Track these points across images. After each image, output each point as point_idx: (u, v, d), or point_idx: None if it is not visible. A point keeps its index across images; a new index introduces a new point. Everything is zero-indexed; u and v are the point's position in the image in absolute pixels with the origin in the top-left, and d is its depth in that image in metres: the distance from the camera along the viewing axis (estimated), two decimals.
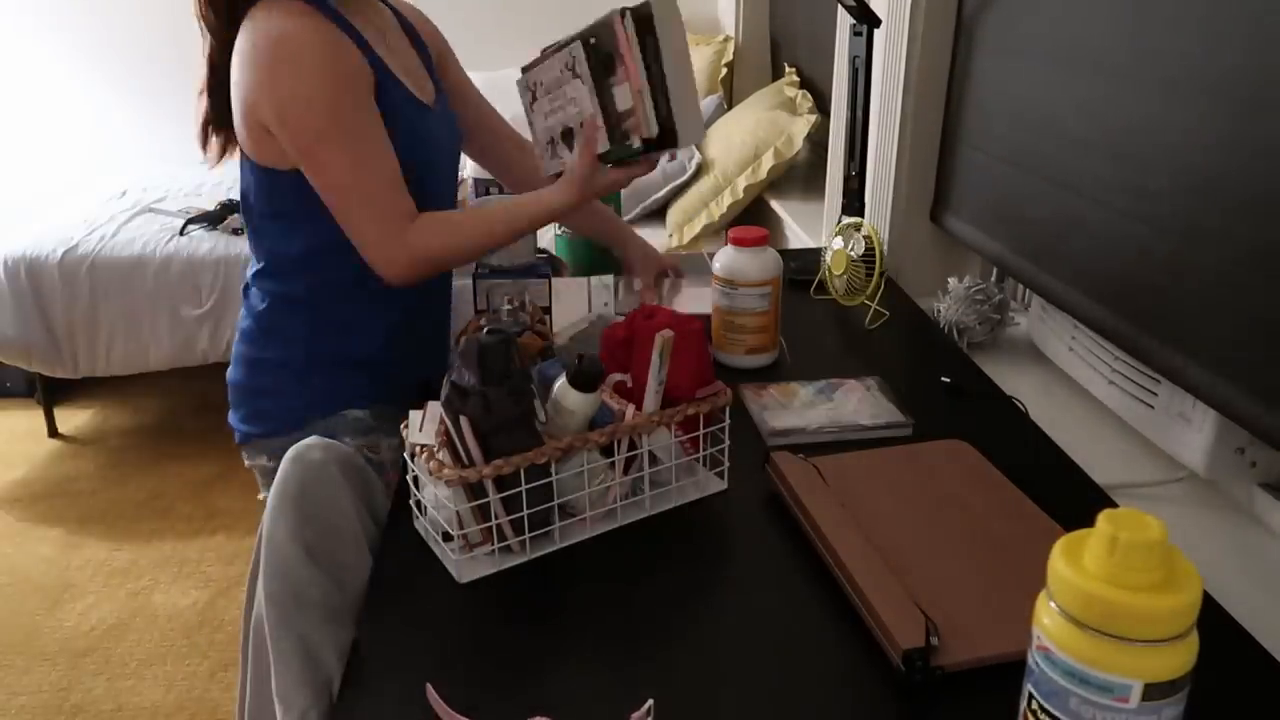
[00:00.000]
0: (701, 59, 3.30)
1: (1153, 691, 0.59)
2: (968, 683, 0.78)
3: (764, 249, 1.34)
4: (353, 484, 1.04)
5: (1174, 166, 1.07)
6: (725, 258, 1.34)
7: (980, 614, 0.83)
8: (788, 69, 2.91)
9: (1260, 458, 1.09)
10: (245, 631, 0.99)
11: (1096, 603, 0.59)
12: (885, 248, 1.64)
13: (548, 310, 1.41)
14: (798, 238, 2.45)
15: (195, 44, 1.24)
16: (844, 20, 1.77)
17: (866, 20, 1.57)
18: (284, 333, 1.31)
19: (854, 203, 1.65)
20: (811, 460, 1.04)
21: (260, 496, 1.31)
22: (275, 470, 1.05)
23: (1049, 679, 0.62)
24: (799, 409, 1.22)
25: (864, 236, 1.55)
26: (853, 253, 1.55)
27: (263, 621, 0.92)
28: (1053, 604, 0.62)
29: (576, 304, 1.47)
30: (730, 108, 3.08)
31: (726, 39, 3.35)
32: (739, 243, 1.33)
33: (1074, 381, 1.36)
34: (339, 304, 1.30)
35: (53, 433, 3.18)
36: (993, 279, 1.60)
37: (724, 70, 3.29)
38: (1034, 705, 0.64)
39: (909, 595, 0.83)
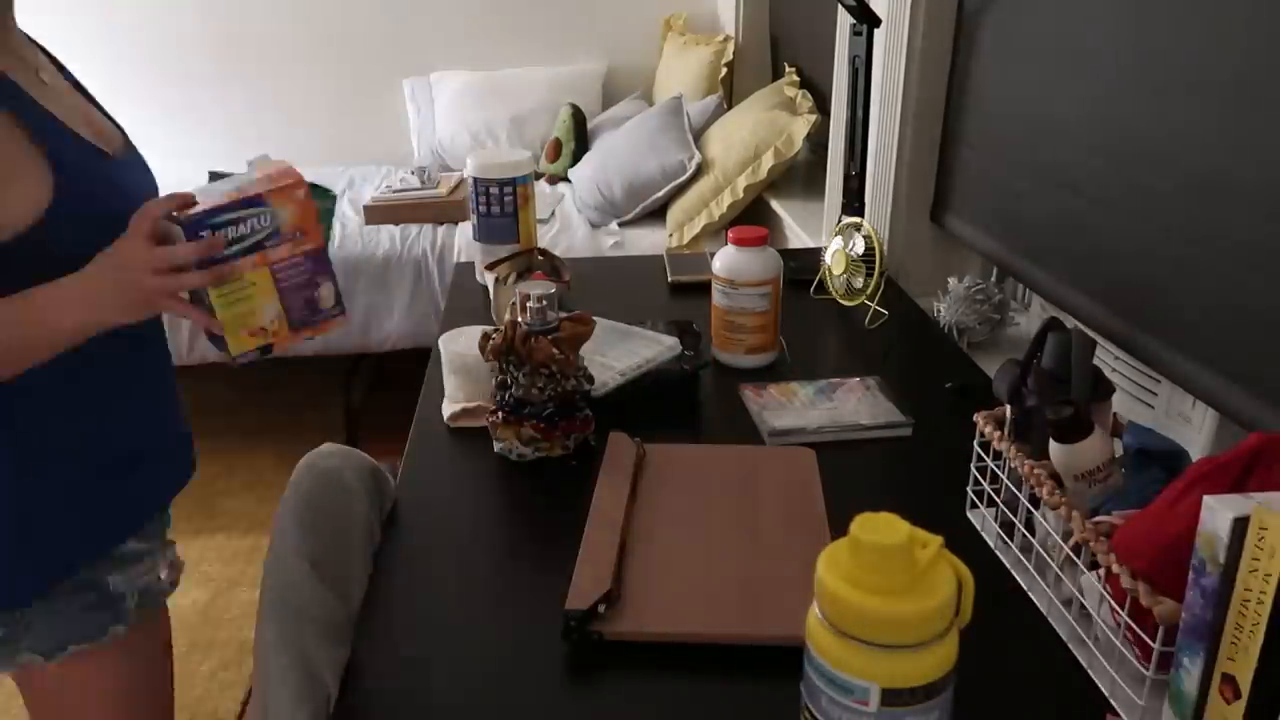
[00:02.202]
0: (701, 59, 3.30)
1: (891, 697, 0.59)
2: (640, 657, 0.84)
3: (764, 248, 1.34)
4: (367, 492, 1.01)
5: (1174, 166, 1.07)
6: (725, 257, 1.34)
7: (683, 598, 0.88)
8: (788, 69, 2.91)
9: None
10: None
11: (837, 603, 0.60)
12: (885, 248, 1.64)
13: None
14: (798, 238, 2.44)
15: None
16: (844, 20, 1.77)
17: (866, 20, 1.56)
18: None
19: (854, 203, 1.65)
20: (646, 445, 1.13)
21: None
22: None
23: (809, 676, 0.64)
24: (799, 409, 1.22)
25: (864, 236, 1.55)
26: (853, 253, 1.55)
27: (262, 634, 0.88)
28: (815, 603, 0.63)
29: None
30: (730, 108, 3.08)
31: (726, 39, 3.35)
32: (739, 242, 1.33)
33: None
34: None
35: None
36: (993, 279, 1.60)
37: (724, 70, 3.29)
38: (803, 701, 0.65)
39: (611, 569, 0.90)
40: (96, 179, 0.99)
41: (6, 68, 0.96)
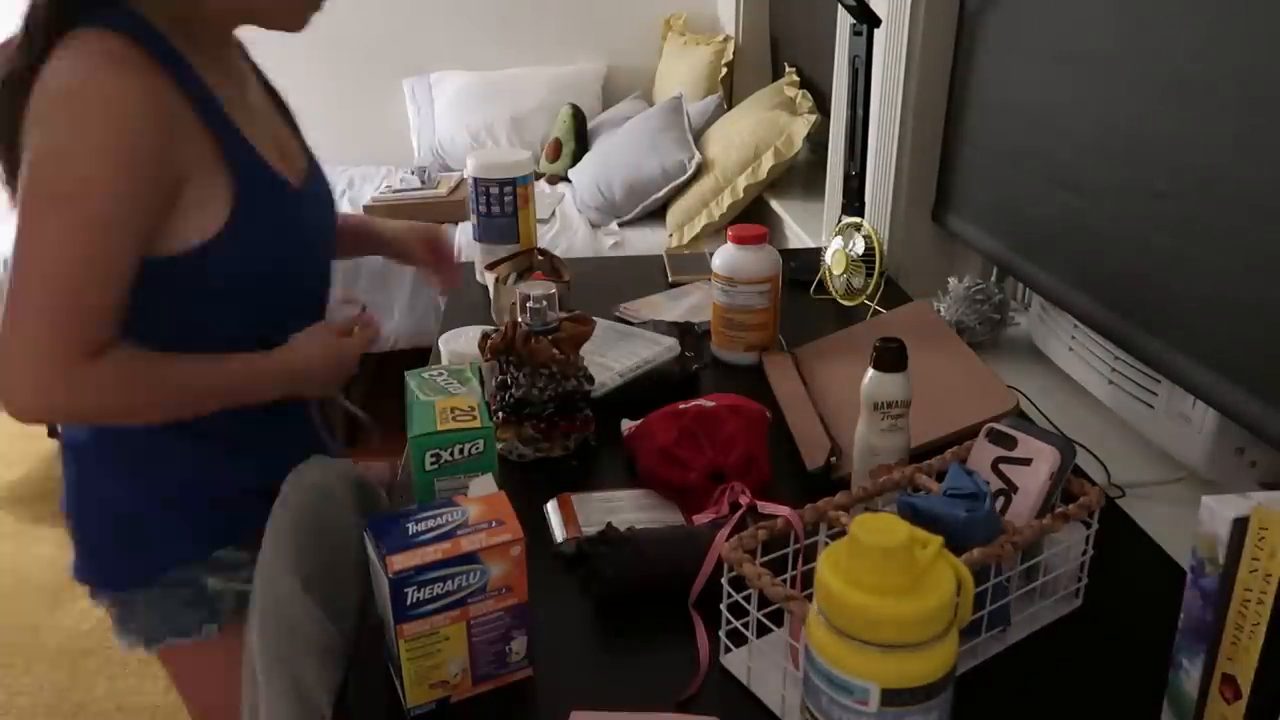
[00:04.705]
0: (701, 59, 3.30)
1: (891, 697, 0.59)
2: None
3: (763, 246, 1.34)
4: (357, 506, 0.97)
5: (1174, 166, 1.07)
6: (725, 255, 1.34)
7: None
8: (788, 69, 2.91)
9: (1260, 458, 1.09)
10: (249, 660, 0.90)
11: (837, 602, 0.60)
12: (885, 248, 1.64)
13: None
14: (798, 238, 2.44)
15: None
16: (844, 20, 1.77)
17: (866, 20, 1.56)
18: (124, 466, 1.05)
19: (854, 202, 1.65)
20: (792, 350, 1.37)
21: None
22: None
23: (809, 676, 0.63)
24: None
25: (864, 236, 1.55)
26: (853, 253, 1.55)
27: (253, 656, 0.85)
28: (814, 603, 0.62)
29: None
30: (730, 108, 3.08)
31: (726, 39, 3.35)
32: (739, 240, 1.33)
33: (1074, 381, 1.36)
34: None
35: (53, 432, 3.18)
36: (993, 279, 1.60)
37: (724, 70, 3.29)
38: (803, 700, 0.65)
39: (824, 431, 1.13)
40: (272, 213, 1.00)
41: (217, 86, 0.96)
